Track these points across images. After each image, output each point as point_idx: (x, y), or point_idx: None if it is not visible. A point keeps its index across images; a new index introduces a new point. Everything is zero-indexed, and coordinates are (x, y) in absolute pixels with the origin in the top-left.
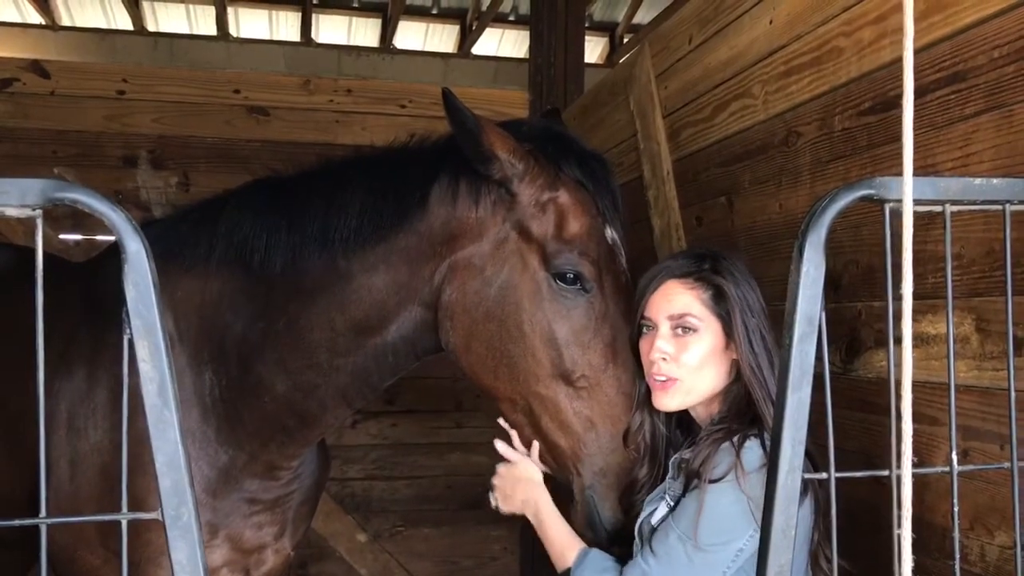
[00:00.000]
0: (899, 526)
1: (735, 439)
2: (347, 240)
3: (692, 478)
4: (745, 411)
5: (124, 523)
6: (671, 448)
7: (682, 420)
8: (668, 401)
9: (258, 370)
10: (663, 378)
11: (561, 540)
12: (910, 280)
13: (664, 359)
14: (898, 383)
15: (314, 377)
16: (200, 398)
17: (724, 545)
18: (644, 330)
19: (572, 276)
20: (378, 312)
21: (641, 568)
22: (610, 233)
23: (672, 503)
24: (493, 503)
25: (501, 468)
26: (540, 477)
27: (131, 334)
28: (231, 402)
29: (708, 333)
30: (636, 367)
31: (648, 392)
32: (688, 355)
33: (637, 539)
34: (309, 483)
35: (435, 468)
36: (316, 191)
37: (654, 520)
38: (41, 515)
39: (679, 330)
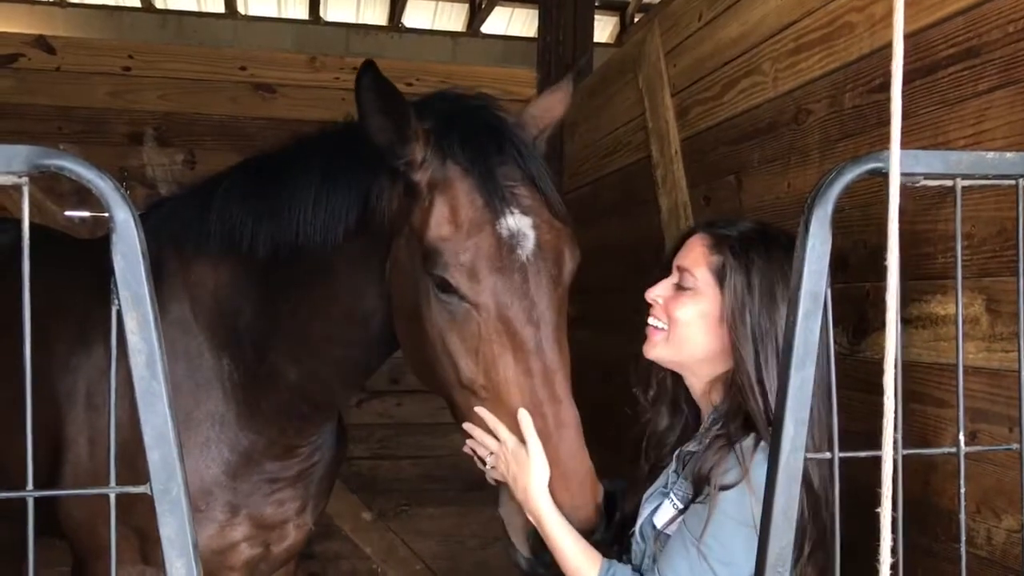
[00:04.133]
0: (887, 506)
1: (742, 445)
2: (308, 232)
3: (702, 484)
4: (736, 405)
5: (112, 497)
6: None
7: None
8: (657, 351)
9: (271, 358)
10: (654, 322)
11: (575, 557)
12: (895, 251)
13: (657, 302)
14: (904, 363)
15: (319, 366)
16: (220, 382)
17: (748, 551)
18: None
19: (444, 283)
20: (359, 304)
21: None
22: (505, 223)
23: (681, 505)
24: (488, 476)
25: (508, 441)
26: (545, 480)
27: (119, 305)
28: (249, 389)
29: (705, 299)
30: (542, 376)
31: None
32: (679, 310)
33: (639, 540)
34: (329, 457)
35: (440, 448)
36: (282, 179)
37: (658, 521)
38: (28, 488)
39: (677, 286)
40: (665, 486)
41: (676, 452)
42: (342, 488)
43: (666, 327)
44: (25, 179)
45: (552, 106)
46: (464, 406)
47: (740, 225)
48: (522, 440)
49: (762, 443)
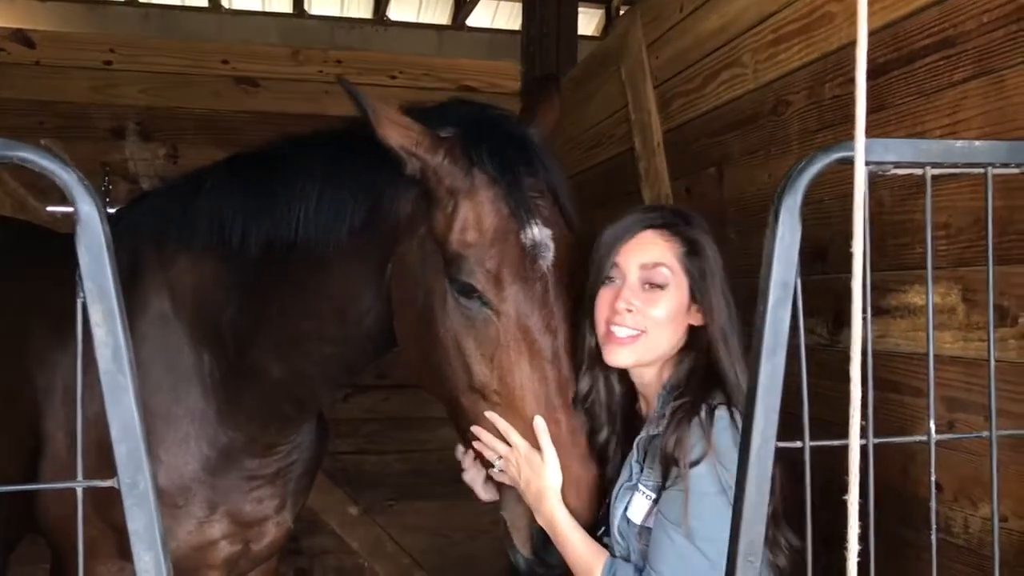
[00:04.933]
0: (855, 493)
1: (702, 415)
2: (310, 230)
3: (670, 465)
4: (705, 379)
5: (80, 491)
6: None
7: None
8: (625, 356)
9: (254, 355)
10: (627, 332)
11: (584, 557)
12: (861, 239)
13: (630, 310)
14: (881, 353)
15: (306, 364)
16: (200, 378)
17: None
18: (607, 281)
19: (467, 287)
20: (353, 303)
21: None
22: (530, 233)
23: (653, 494)
24: (496, 473)
25: (520, 446)
26: (559, 485)
27: (84, 298)
28: (231, 385)
29: (675, 291)
30: (557, 385)
31: (597, 350)
32: (655, 309)
33: (619, 540)
34: (308, 455)
35: (427, 442)
36: (278, 177)
37: (635, 516)
38: None
39: (647, 286)
40: (630, 479)
41: (636, 441)
42: (328, 483)
43: (644, 329)
44: None
45: (547, 119)
46: (471, 410)
47: (668, 209)
48: (534, 445)
49: (718, 411)
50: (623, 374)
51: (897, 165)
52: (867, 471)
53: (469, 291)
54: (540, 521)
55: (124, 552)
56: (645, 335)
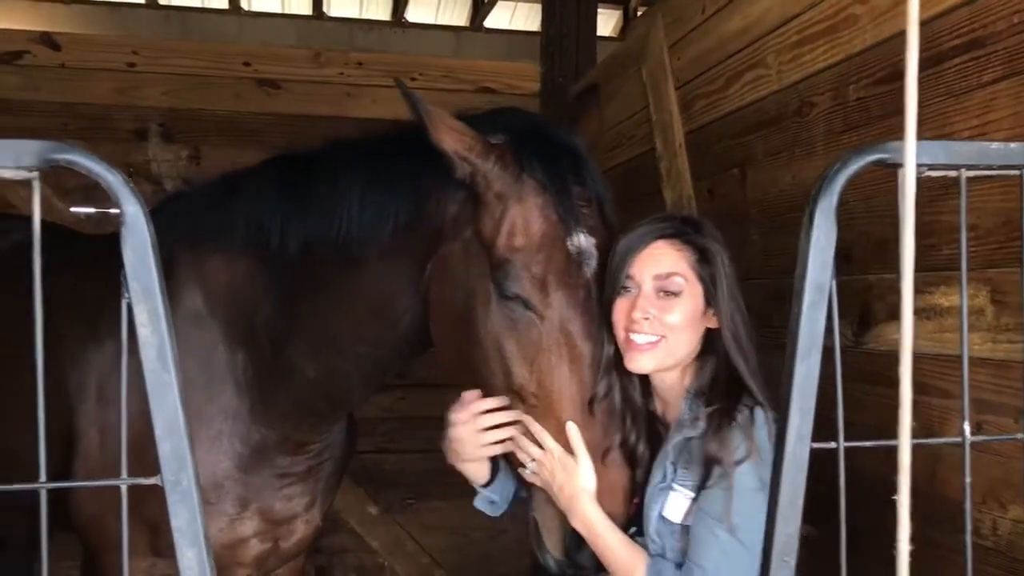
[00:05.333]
0: (905, 492)
1: (742, 417)
2: (352, 231)
3: (713, 465)
4: (729, 383)
5: (124, 488)
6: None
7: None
8: (646, 362)
9: (289, 353)
10: (646, 338)
11: (624, 558)
12: (911, 237)
13: (647, 318)
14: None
15: (342, 363)
16: (233, 376)
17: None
18: (623, 291)
19: (512, 291)
20: (391, 302)
21: None
22: (576, 241)
23: (692, 493)
24: (526, 478)
25: (555, 450)
26: (594, 488)
27: (129, 298)
28: (264, 384)
29: (690, 297)
30: (593, 389)
31: (616, 355)
32: (671, 316)
33: (655, 539)
34: (339, 453)
35: None
36: (322, 178)
37: (673, 515)
38: (41, 480)
39: (661, 293)
40: (663, 480)
41: (670, 444)
42: (348, 482)
43: (658, 337)
44: (36, 174)
45: (588, 129)
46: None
47: (678, 219)
48: (568, 449)
49: (756, 410)
50: (642, 378)
51: (931, 167)
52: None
53: (513, 294)
54: (575, 524)
55: (155, 548)
56: (664, 340)
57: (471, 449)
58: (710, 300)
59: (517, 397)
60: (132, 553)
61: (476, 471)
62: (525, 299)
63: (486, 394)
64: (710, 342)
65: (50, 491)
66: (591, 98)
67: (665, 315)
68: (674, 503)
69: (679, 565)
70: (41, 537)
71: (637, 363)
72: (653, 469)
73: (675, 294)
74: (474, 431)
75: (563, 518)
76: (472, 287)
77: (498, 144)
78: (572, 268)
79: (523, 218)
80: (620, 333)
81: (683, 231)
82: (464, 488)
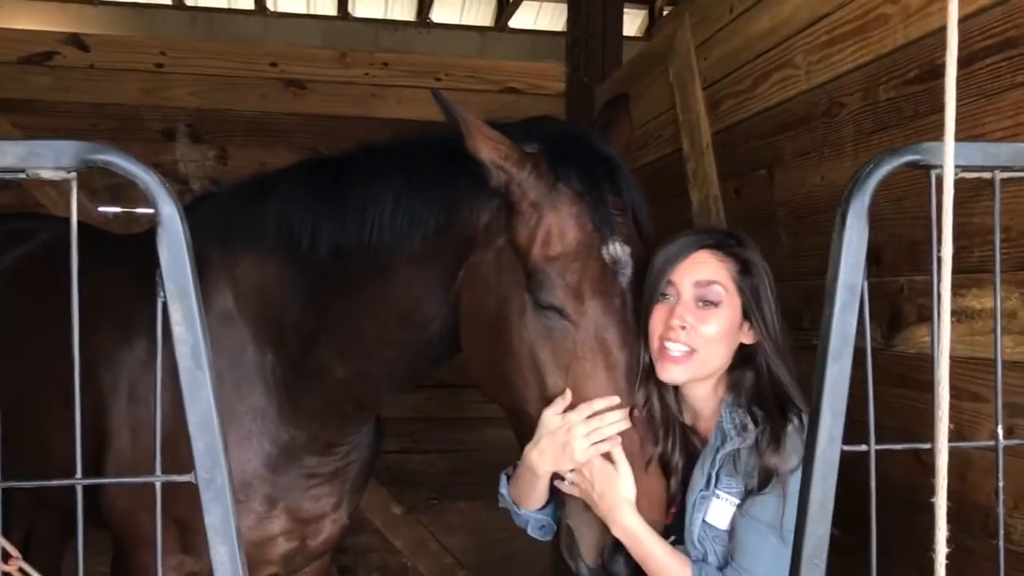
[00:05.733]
0: (942, 495)
1: (792, 426)
2: (383, 235)
3: (771, 475)
4: (776, 394)
5: (158, 485)
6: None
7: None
8: (679, 373)
9: (317, 354)
10: (679, 349)
11: (670, 566)
12: (949, 237)
13: (683, 327)
14: (934, 357)
15: (370, 366)
16: (262, 376)
17: None
18: (662, 298)
19: (547, 299)
20: (419, 307)
21: None
22: (611, 249)
23: (737, 500)
24: (566, 487)
25: (596, 462)
26: (634, 497)
27: (165, 297)
28: (293, 384)
29: (728, 309)
30: (630, 399)
31: (651, 366)
32: (708, 327)
33: (696, 544)
34: (366, 454)
35: (469, 442)
36: (354, 181)
37: (717, 522)
38: (76, 476)
39: (700, 303)
40: (706, 487)
41: (716, 456)
42: (373, 482)
43: (696, 347)
44: (73, 174)
45: (620, 139)
46: (536, 418)
47: (721, 231)
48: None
49: (803, 417)
50: (676, 388)
51: (965, 169)
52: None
53: (548, 303)
54: (616, 533)
55: (185, 546)
56: (697, 353)
57: (569, 456)
58: (748, 313)
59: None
60: (163, 551)
61: (542, 492)
62: (560, 308)
63: (517, 402)
64: (745, 354)
65: (84, 487)
66: (621, 106)
67: (702, 326)
68: (718, 510)
69: (721, 569)
70: (77, 532)
71: (669, 374)
72: (694, 477)
73: (714, 304)
74: (583, 434)
75: (598, 525)
76: (505, 295)
77: (533, 153)
78: (607, 277)
79: (558, 227)
80: (655, 342)
81: (726, 243)
82: (486, 489)
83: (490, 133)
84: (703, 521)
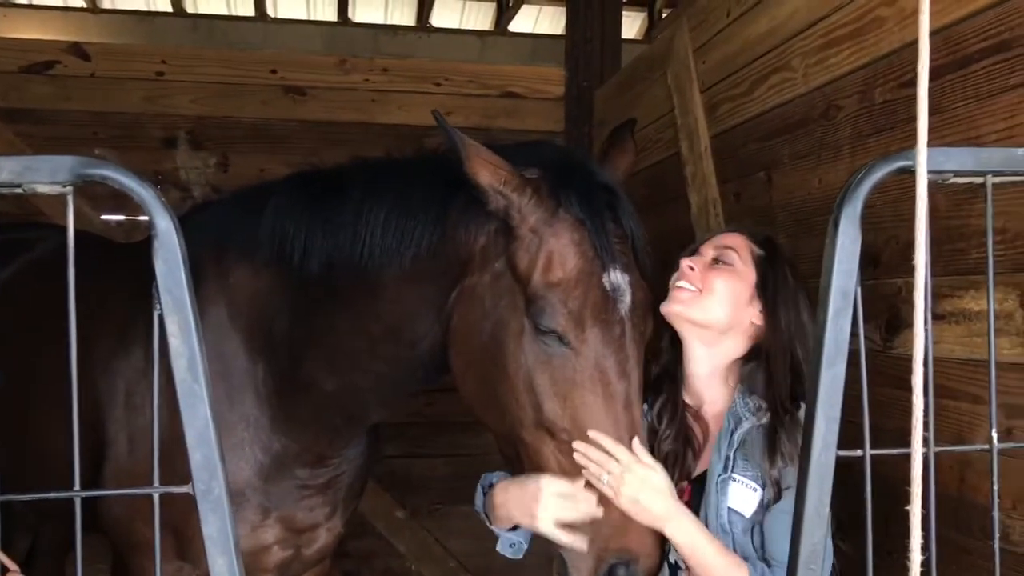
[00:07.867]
0: (917, 503)
1: (800, 414)
2: (375, 253)
3: (786, 461)
4: (784, 385)
5: (156, 497)
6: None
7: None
8: (678, 308)
9: (307, 367)
10: (687, 285)
11: (728, 568)
12: (924, 248)
13: (692, 268)
14: (936, 359)
15: (360, 380)
16: (254, 386)
17: None
18: (688, 253)
19: (547, 325)
20: (410, 325)
21: None
22: (610, 277)
23: (757, 485)
24: (595, 494)
25: (631, 464)
26: (674, 490)
27: (161, 310)
28: (284, 395)
29: (740, 275)
30: (628, 428)
31: (656, 379)
32: (716, 277)
33: (727, 528)
34: (360, 463)
35: (472, 446)
36: (347, 199)
37: (743, 508)
38: (75, 488)
39: (714, 262)
40: (724, 470)
41: (733, 434)
42: (375, 487)
43: (697, 291)
44: (70, 188)
45: (622, 165)
46: (533, 446)
47: (751, 227)
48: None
49: None
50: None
51: (957, 174)
52: (929, 480)
53: (549, 329)
54: (669, 533)
55: (181, 552)
56: (700, 296)
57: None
58: (761, 295)
59: (546, 432)
60: (161, 558)
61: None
62: (560, 334)
63: (511, 427)
64: (757, 350)
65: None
66: (626, 131)
67: (711, 275)
68: (739, 495)
69: (755, 563)
70: (76, 542)
71: (670, 307)
72: (712, 462)
73: (727, 265)
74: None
75: (592, 555)
76: (503, 318)
77: (533, 178)
78: (608, 305)
79: (560, 253)
80: (672, 286)
81: (758, 234)
82: None
83: (490, 158)
84: (728, 507)
